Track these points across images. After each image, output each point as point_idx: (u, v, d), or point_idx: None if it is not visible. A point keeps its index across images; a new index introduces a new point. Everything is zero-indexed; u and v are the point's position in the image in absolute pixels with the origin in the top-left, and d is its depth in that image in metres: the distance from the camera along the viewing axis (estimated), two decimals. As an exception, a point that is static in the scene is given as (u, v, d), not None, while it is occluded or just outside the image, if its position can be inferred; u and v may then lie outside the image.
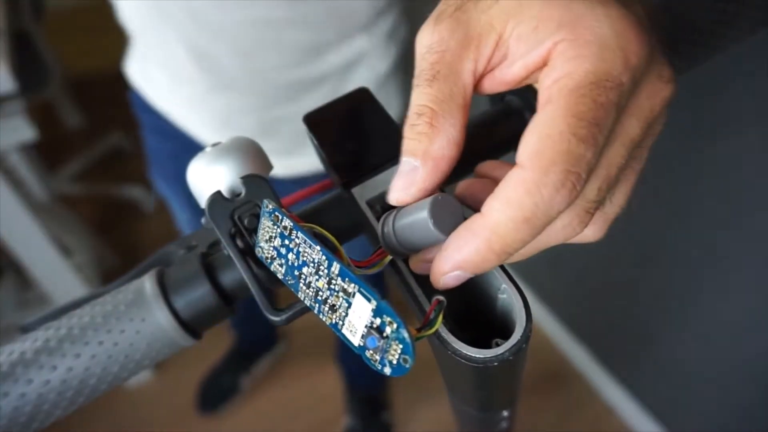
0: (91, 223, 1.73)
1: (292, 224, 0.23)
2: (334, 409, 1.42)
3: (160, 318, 0.26)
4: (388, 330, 0.20)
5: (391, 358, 0.20)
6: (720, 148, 0.88)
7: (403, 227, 0.23)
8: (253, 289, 0.25)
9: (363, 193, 0.27)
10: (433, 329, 0.22)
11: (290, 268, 0.23)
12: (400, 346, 0.19)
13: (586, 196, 0.21)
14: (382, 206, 0.26)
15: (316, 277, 0.22)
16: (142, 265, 0.32)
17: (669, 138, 1.01)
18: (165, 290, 0.27)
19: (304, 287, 0.23)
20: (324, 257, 0.21)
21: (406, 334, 0.19)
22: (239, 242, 0.25)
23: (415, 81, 0.22)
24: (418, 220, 0.22)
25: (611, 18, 0.20)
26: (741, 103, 0.82)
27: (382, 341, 0.20)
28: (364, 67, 0.72)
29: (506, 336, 0.22)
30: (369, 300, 0.20)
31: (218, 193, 0.26)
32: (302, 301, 0.23)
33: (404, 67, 0.77)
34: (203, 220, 0.26)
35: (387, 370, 0.20)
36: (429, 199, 0.22)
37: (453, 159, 0.22)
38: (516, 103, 0.31)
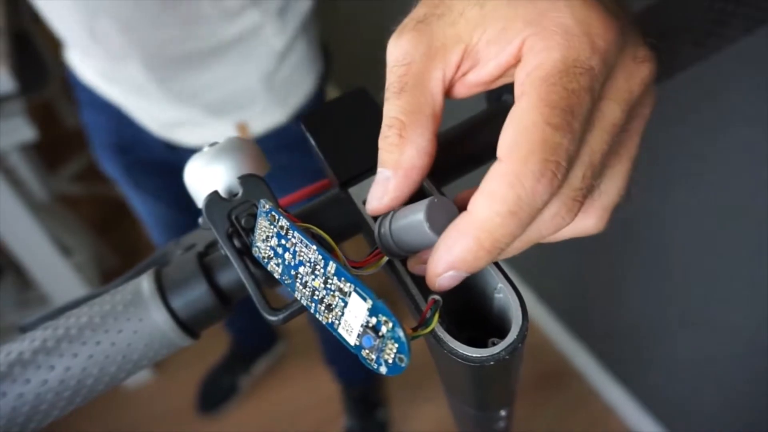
0: (91, 223, 1.73)
1: (288, 224, 0.23)
2: (334, 409, 1.42)
3: (158, 318, 0.26)
4: (383, 329, 0.20)
5: (386, 357, 0.20)
6: (721, 146, 0.88)
7: (400, 229, 0.23)
8: (250, 288, 0.25)
9: (360, 193, 0.27)
10: (429, 328, 0.22)
11: (287, 268, 0.23)
12: (396, 345, 0.19)
13: (572, 185, 0.21)
14: None
15: (313, 276, 0.22)
16: (140, 265, 0.32)
17: (668, 136, 1.01)
18: (162, 290, 0.27)
19: (301, 287, 0.23)
20: (320, 257, 0.22)
21: (401, 333, 0.19)
22: (236, 242, 0.26)
23: (386, 94, 0.23)
24: (414, 222, 0.22)
25: (572, 7, 0.20)
26: (743, 103, 0.83)
27: (377, 340, 0.20)
28: (260, 41, 0.74)
29: (503, 335, 0.22)
30: (365, 299, 0.20)
31: (215, 193, 0.26)
32: (299, 301, 0.23)
33: (307, 42, 0.79)
34: (200, 220, 0.26)
35: (383, 370, 0.20)
36: (425, 202, 0.22)
37: (423, 168, 0.23)
38: (512, 102, 0.31)
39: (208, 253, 0.28)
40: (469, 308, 0.25)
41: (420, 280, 0.24)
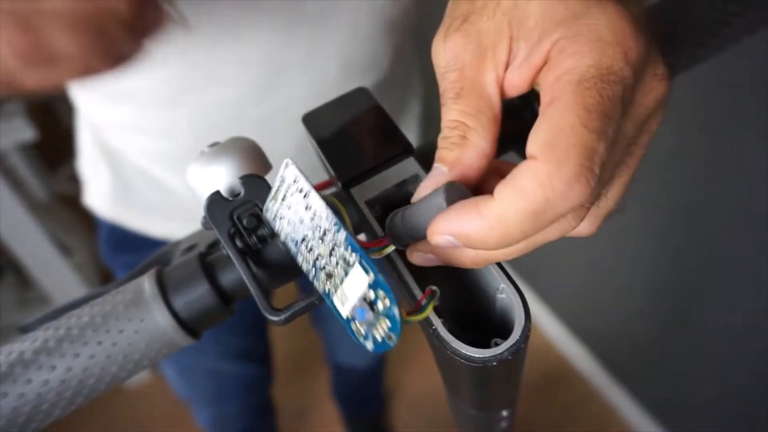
0: (91, 223, 1.73)
1: (309, 187, 0.23)
2: (334, 409, 1.42)
3: (159, 318, 0.26)
4: (380, 305, 0.20)
5: (376, 333, 0.20)
6: (725, 150, 0.88)
7: (414, 212, 0.23)
8: (252, 289, 0.25)
9: (362, 193, 0.27)
10: (423, 315, 0.22)
11: (295, 229, 0.23)
12: (389, 323, 0.20)
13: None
14: (382, 206, 0.27)
15: (320, 242, 0.22)
16: (142, 264, 0.32)
17: (674, 139, 1.01)
18: (164, 290, 0.27)
19: (305, 250, 0.23)
20: (333, 224, 0.22)
21: (396, 312, 0.19)
22: (238, 242, 0.25)
23: (442, 100, 0.23)
24: (433, 203, 0.22)
25: (608, 15, 0.20)
26: (745, 103, 0.82)
27: (371, 314, 0.20)
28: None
29: (505, 336, 0.22)
30: (367, 272, 0.20)
31: (217, 193, 0.26)
32: (300, 301, 0.23)
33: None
34: (202, 220, 0.26)
35: (369, 345, 0.21)
36: (443, 185, 0.22)
37: (481, 170, 0.22)
38: (515, 104, 0.31)
39: (209, 253, 0.28)
40: (471, 309, 0.25)
41: (418, 274, 0.24)
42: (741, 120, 0.84)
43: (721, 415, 1.12)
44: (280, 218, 0.24)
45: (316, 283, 0.22)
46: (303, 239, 0.23)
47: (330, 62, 0.49)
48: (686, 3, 0.33)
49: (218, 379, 0.85)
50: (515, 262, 1.47)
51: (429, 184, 0.23)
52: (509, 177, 0.20)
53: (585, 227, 0.24)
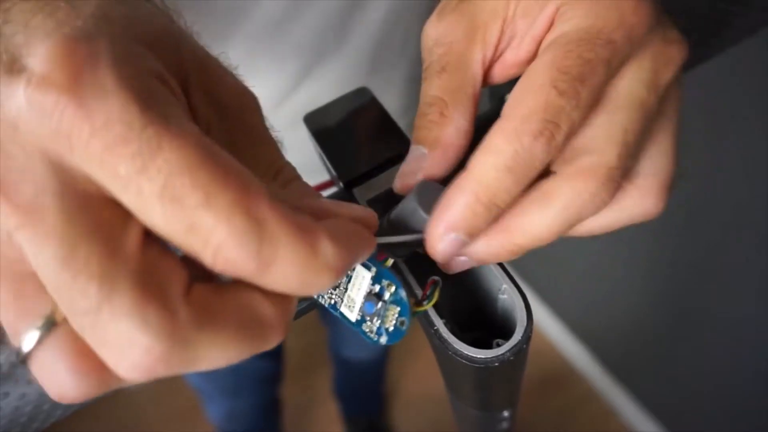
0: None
1: None
2: (334, 408, 1.42)
3: (161, 318, 0.26)
4: (386, 294, 0.20)
5: (388, 324, 0.20)
6: (726, 150, 0.88)
7: (395, 218, 0.23)
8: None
9: (364, 193, 0.27)
10: (427, 306, 0.22)
11: None
12: (398, 308, 0.20)
13: (607, 163, 0.20)
14: (384, 206, 0.27)
15: None
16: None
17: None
18: (165, 290, 0.27)
19: None
20: None
21: (404, 294, 0.20)
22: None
23: (424, 74, 0.23)
24: (407, 207, 0.22)
25: None
26: (746, 103, 0.82)
27: (380, 305, 0.20)
28: None
29: (507, 336, 0.22)
30: (369, 268, 0.21)
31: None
32: (302, 301, 0.23)
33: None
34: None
35: (383, 340, 0.21)
36: (415, 188, 0.22)
37: (461, 148, 0.22)
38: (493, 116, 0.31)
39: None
40: (473, 310, 0.25)
41: (420, 276, 0.24)
42: (741, 120, 0.84)
43: (721, 415, 1.11)
44: None
45: (321, 300, 0.22)
46: None
47: (362, 55, 0.49)
48: (687, 3, 0.33)
49: (234, 372, 0.85)
50: (516, 262, 1.46)
51: (407, 169, 0.23)
52: (481, 143, 0.20)
53: (650, 203, 0.23)
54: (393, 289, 0.20)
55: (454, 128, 0.22)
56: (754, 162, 0.84)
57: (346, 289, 0.21)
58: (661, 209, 0.23)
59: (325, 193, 0.30)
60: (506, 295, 0.24)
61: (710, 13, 0.33)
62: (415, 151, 0.23)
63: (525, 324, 0.22)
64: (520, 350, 0.22)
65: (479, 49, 0.22)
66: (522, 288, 0.23)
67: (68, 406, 0.26)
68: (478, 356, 0.22)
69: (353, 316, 0.21)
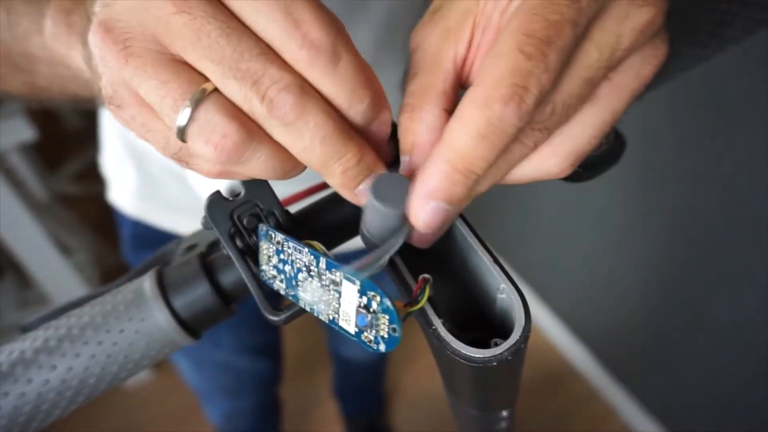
0: (91, 223, 1.73)
1: (283, 237, 0.24)
2: (334, 408, 1.42)
3: (160, 318, 0.26)
4: (374, 305, 0.21)
5: (382, 333, 0.21)
6: (726, 149, 0.88)
7: (365, 220, 0.23)
8: (252, 288, 0.25)
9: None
10: (420, 305, 0.22)
11: (289, 281, 0.24)
12: (387, 316, 0.20)
13: (538, 116, 0.20)
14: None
15: (309, 279, 0.23)
16: (142, 264, 0.32)
17: (675, 138, 1.01)
18: (164, 290, 0.27)
19: (303, 294, 0.24)
20: (312, 257, 0.22)
21: (389, 303, 0.20)
22: (238, 242, 0.26)
23: (402, 82, 0.23)
24: (368, 206, 0.22)
25: None
26: (746, 103, 0.83)
27: (370, 316, 0.21)
28: None
29: (505, 336, 0.22)
30: (353, 282, 0.21)
31: (217, 193, 0.26)
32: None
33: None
34: (202, 220, 0.26)
35: (382, 347, 0.21)
36: (370, 187, 0.22)
37: (435, 143, 0.22)
38: None
39: (210, 253, 0.28)
40: (472, 309, 0.25)
41: (414, 267, 0.24)
42: (741, 120, 0.84)
43: (721, 415, 1.11)
44: (274, 278, 0.25)
45: (321, 317, 0.23)
46: (297, 285, 0.24)
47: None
48: (687, 3, 0.33)
49: (234, 373, 0.85)
50: (515, 262, 1.47)
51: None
52: (455, 112, 0.20)
53: (555, 163, 0.22)
54: (378, 299, 0.20)
55: (424, 127, 0.22)
56: (754, 162, 0.84)
57: (339, 304, 0.22)
58: (563, 173, 0.23)
59: (325, 193, 0.30)
60: (504, 294, 0.23)
61: (710, 13, 0.33)
62: (402, 163, 0.23)
63: (523, 323, 0.22)
64: (519, 350, 0.22)
65: (451, 47, 0.22)
66: (520, 287, 0.23)
67: (67, 406, 0.26)
68: (477, 356, 0.22)
69: (351, 328, 0.22)
